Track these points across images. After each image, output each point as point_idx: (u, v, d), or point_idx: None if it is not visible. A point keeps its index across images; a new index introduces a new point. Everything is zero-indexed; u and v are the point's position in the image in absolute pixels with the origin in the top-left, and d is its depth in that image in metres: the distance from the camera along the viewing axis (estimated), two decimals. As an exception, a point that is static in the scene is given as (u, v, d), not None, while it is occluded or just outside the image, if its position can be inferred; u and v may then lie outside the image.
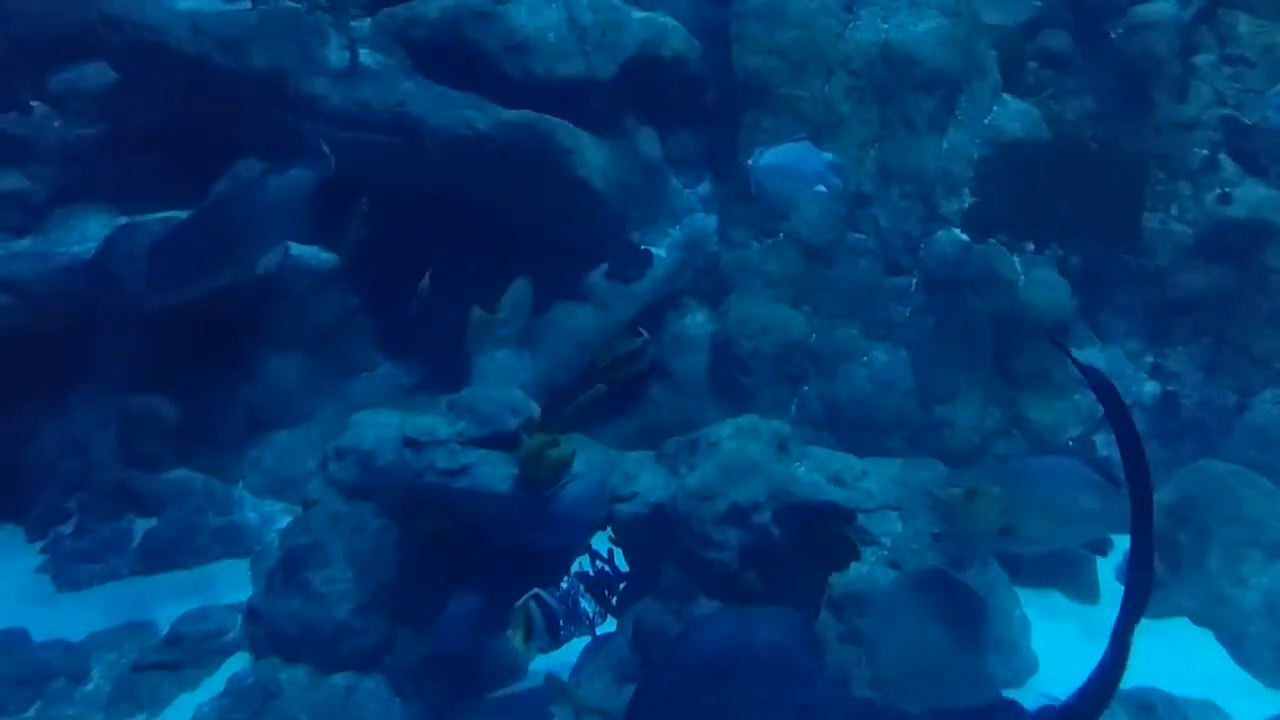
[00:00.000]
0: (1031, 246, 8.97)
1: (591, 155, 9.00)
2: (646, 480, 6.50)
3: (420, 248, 9.12)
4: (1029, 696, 7.01)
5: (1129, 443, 3.39)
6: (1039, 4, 9.37)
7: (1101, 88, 9.64)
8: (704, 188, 9.92)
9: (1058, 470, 4.95)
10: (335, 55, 8.83)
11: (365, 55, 8.88)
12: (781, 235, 9.21)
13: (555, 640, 5.52)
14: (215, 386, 8.74)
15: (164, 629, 7.00)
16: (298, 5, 8.88)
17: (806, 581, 6.25)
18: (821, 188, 7.25)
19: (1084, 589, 8.34)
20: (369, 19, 9.13)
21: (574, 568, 7.19)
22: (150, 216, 8.40)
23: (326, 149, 6.08)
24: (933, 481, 6.91)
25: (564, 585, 5.98)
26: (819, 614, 6.19)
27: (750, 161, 7.39)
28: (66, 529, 8.17)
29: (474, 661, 6.49)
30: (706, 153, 9.97)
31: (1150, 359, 9.62)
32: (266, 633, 6.43)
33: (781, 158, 7.21)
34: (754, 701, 3.80)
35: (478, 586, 5.82)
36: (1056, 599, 8.24)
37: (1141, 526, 3.48)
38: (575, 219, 9.11)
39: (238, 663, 6.63)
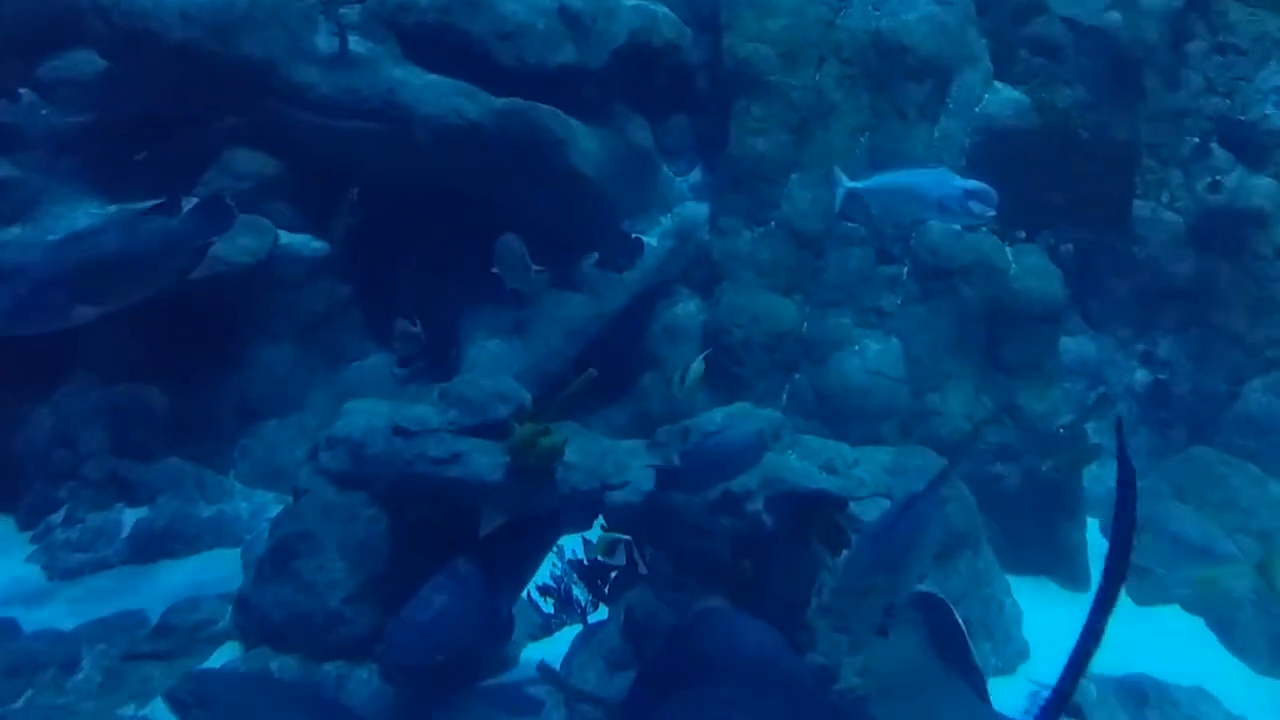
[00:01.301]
0: (1023, 234, 8.98)
1: (583, 144, 8.97)
2: (639, 469, 6.48)
3: (411, 237, 9.13)
4: (1020, 683, 7.05)
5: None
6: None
7: (1093, 75, 9.63)
8: (695, 176, 9.91)
9: (920, 521, 5.08)
10: (325, 42, 8.78)
11: (355, 42, 8.83)
12: (773, 224, 9.21)
13: None
14: (206, 376, 8.71)
15: (154, 619, 6.97)
16: (287, -9, 8.84)
17: (798, 569, 6.25)
18: (954, 210, 7.01)
19: (1076, 577, 8.37)
20: (359, 5, 9.09)
21: (566, 554, 7.22)
22: (140, 205, 8.37)
23: (231, 202, 5.89)
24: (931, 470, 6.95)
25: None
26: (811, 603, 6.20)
27: (861, 186, 7.30)
28: (57, 518, 8.14)
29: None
30: (698, 141, 9.96)
31: (1141, 346, 9.65)
32: (257, 622, 6.39)
33: (916, 184, 7.06)
34: (744, 703, 3.83)
35: (455, 581, 5.72)
36: (1048, 587, 8.27)
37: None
38: (566, 207, 9.09)
39: (228, 652, 6.60)
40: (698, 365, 7.77)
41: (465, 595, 5.63)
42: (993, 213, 6.91)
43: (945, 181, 6.94)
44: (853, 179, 7.54)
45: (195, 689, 5.43)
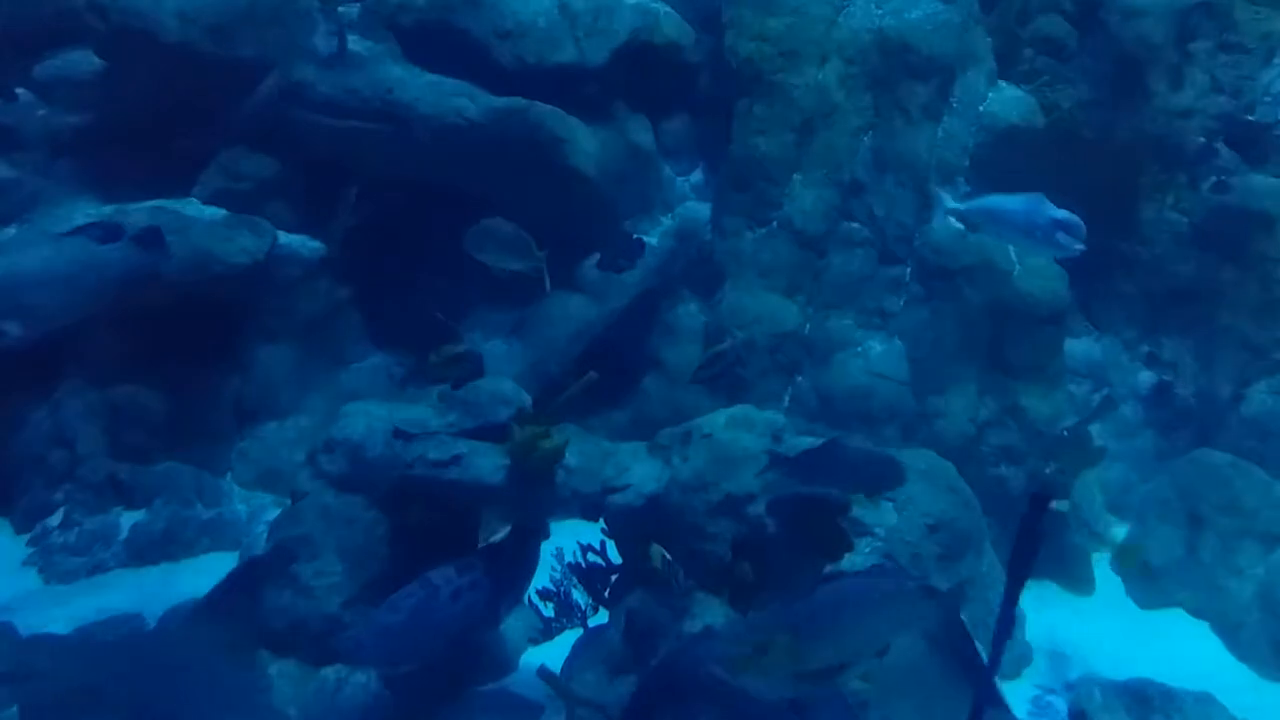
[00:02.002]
0: (1027, 234, 8.92)
1: (584, 143, 8.94)
2: (639, 471, 6.42)
3: (411, 238, 9.08)
4: (1023, 687, 7.01)
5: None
6: None
7: (1097, 75, 9.57)
8: (697, 176, 9.88)
9: (848, 597, 4.86)
10: (324, 42, 8.76)
11: (354, 42, 8.81)
12: (775, 224, 9.15)
13: None
14: (204, 378, 8.67)
15: (152, 623, 6.94)
16: (286, -10, 8.79)
17: (799, 573, 6.21)
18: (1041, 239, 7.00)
19: (1079, 581, 8.32)
20: (358, 4, 9.06)
21: (566, 558, 7.18)
22: (136, 206, 8.35)
23: (167, 238, 5.82)
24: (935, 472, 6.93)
25: None
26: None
27: (962, 208, 7.30)
28: (54, 521, 8.10)
29: (466, 655, 6.44)
30: (699, 141, 9.92)
31: (1146, 348, 9.58)
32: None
33: (1007, 209, 7.03)
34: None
35: (425, 590, 5.65)
36: (1051, 590, 8.22)
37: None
38: (567, 208, 9.04)
39: (227, 655, 6.57)
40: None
41: (433, 607, 5.57)
42: (1081, 246, 6.86)
43: (1037, 209, 6.91)
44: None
45: (20, 660, 5.30)
